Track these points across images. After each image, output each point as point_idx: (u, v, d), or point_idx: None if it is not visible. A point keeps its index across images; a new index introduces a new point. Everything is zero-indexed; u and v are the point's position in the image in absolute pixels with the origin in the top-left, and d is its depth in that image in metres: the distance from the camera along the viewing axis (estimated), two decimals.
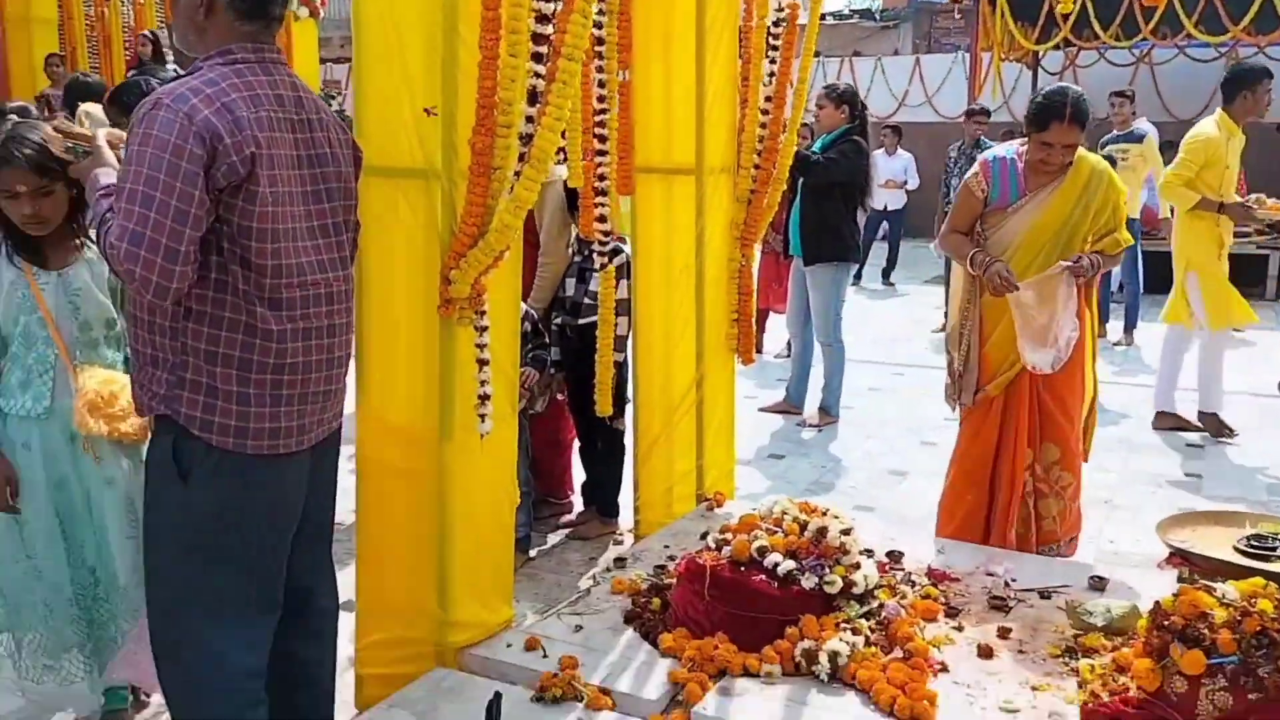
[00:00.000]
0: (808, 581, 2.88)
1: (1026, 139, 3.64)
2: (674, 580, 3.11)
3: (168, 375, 2.13)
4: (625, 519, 4.31)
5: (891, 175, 11.83)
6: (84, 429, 2.57)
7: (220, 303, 2.09)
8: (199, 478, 2.14)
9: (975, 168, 3.72)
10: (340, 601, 2.57)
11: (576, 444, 4.61)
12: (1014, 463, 3.70)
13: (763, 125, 3.95)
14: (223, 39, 2.12)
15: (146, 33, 9.21)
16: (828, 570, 2.91)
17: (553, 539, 4.40)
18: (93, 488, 2.68)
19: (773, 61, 3.93)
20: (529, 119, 2.57)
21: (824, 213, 6.03)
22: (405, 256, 2.70)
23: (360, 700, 2.83)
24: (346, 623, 2.71)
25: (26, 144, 2.51)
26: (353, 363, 2.46)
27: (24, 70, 8.76)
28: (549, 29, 2.56)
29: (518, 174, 2.57)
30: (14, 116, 2.98)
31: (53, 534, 2.68)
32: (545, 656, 2.82)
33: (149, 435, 2.42)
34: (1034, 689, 2.66)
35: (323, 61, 12.32)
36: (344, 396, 2.39)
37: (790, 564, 2.90)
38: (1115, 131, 8.53)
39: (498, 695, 2.08)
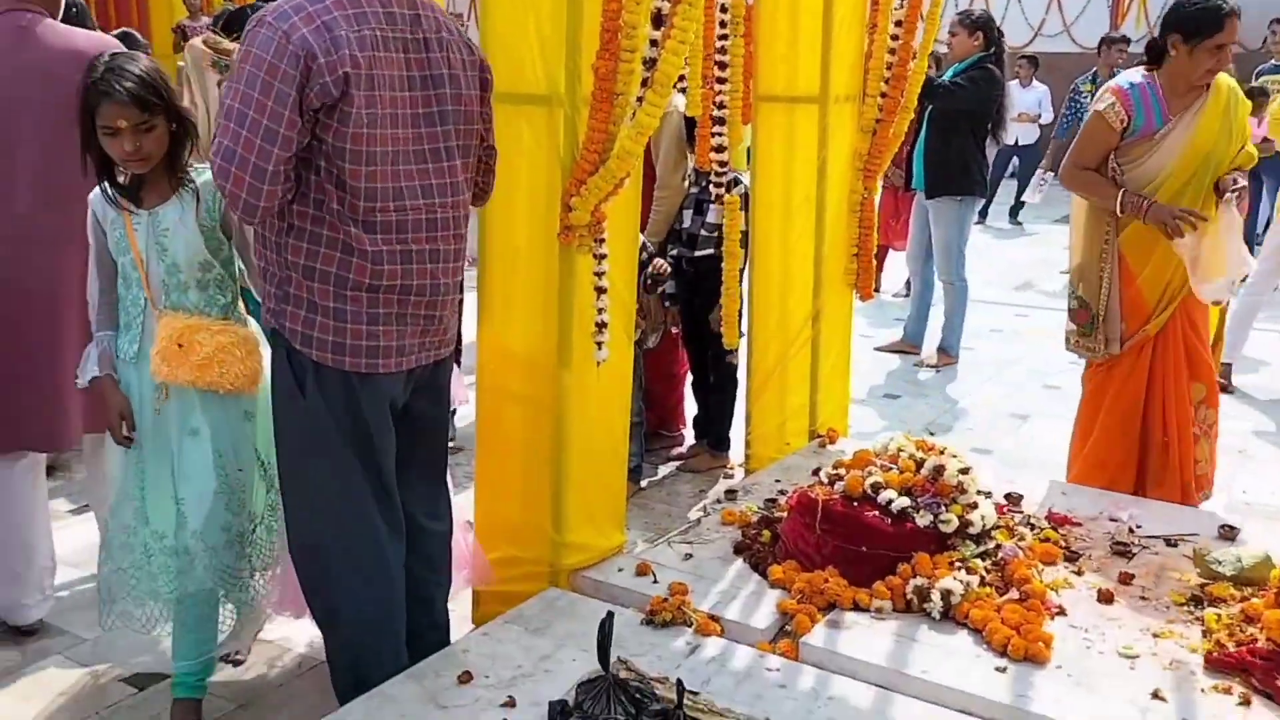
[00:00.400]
0: (922, 519, 2.84)
1: (1151, 65, 3.45)
2: (784, 513, 3.11)
3: (275, 290, 2.21)
4: (736, 453, 4.31)
5: (1025, 108, 11.34)
6: (158, 376, 2.45)
7: (319, 220, 2.12)
8: (309, 389, 2.22)
9: (1109, 97, 3.45)
10: (458, 522, 2.64)
11: (689, 378, 4.62)
12: (1180, 404, 3.53)
13: (891, 52, 3.81)
14: None
15: None
16: (943, 508, 2.87)
17: (663, 471, 4.44)
18: (175, 439, 2.52)
19: None
20: (653, 43, 2.53)
21: (950, 144, 5.83)
22: (527, 183, 2.72)
23: (477, 616, 2.92)
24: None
25: (127, 76, 2.35)
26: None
27: (162, 1, 9.06)
28: None
29: (640, 100, 2.55)
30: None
31: (129, 480, 2.55)
32: (655, 582, 2.86)
33: (249, 384, 2.50)
34: (1155, 636, 2.58)
35: None
36: (452, 323, 2.40)
37: (904, 501, 2.86)
38: (1274, 62, 7.99)
39: (610, 615, 2.12)
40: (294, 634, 2.86)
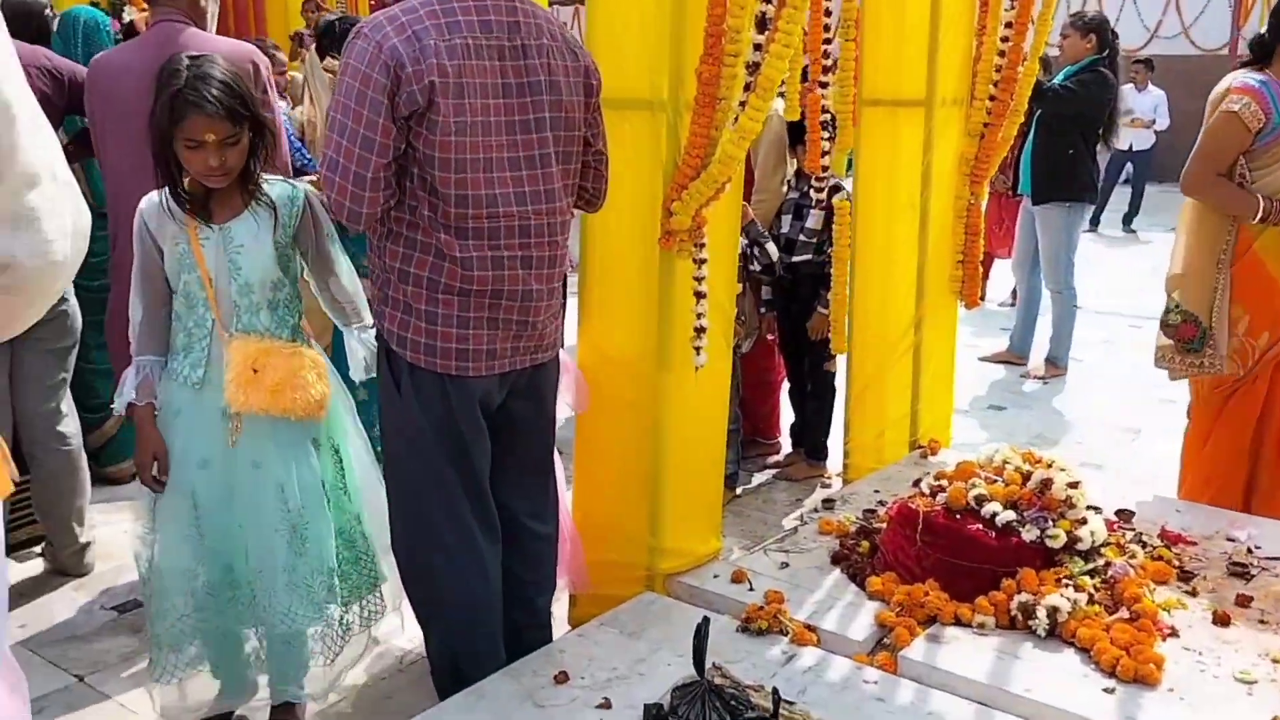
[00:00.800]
0: (1028, 533, 2.76)
1: (1261, 65, 3.30)
2: (884, 524, 3.06)
3: (378, 291, 2.28)
4: (833, 462, 4.26)
5: (1140, 113, 10.98)
6: (234, 404, 2.29)
7: (413, 225, 2.17)
8: (406, 389, 2.27)
9: (1242, 97, 3.26)
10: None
11: (785, 384, 4.58)
12: None
13: (1001, 54, 3.73)
14: None
15: None
16: (1050, 523, 2.79)
17: (759, 478, 4.41)
18: (239, 471, 2.36)
19: None
20: (756, 47, 2.52)
21: (1059, 148, 5.66)
22: (629, 188, 2.72)
23: (572, 617, 2.94)
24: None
25: (214, 84, 2.21)
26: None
27: (279, 12, 9.39)
28: None
29: (743, 104, 2.54)
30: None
31: (182, 518, 2.36)
32: (751, 589, 2.84)
33: (319, 410, 2.38)
34: (1275, 661, 2.46)
35: (551, 3, 12.59)
36: (553, 329, 2.40)
37: (1010, 514, 2.79)
38: None
39: (706, 620, 2.11)
40: (395, 630, 2.92)
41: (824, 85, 3.35)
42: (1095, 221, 10.97)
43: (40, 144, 1.24)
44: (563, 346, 2.51)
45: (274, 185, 2.41)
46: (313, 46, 4.74)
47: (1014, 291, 6.88)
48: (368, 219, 2.12)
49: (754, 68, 2.52)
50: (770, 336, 4.38)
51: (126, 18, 4.87)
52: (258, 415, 2.32)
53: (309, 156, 4.09)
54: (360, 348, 2.56)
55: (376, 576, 2.64)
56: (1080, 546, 2.80)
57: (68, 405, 3.35)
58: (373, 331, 2.47)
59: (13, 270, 1.22)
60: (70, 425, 3.34)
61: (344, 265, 2.55)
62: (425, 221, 2.16)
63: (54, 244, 1.25)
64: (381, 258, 2.25)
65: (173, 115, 2.20)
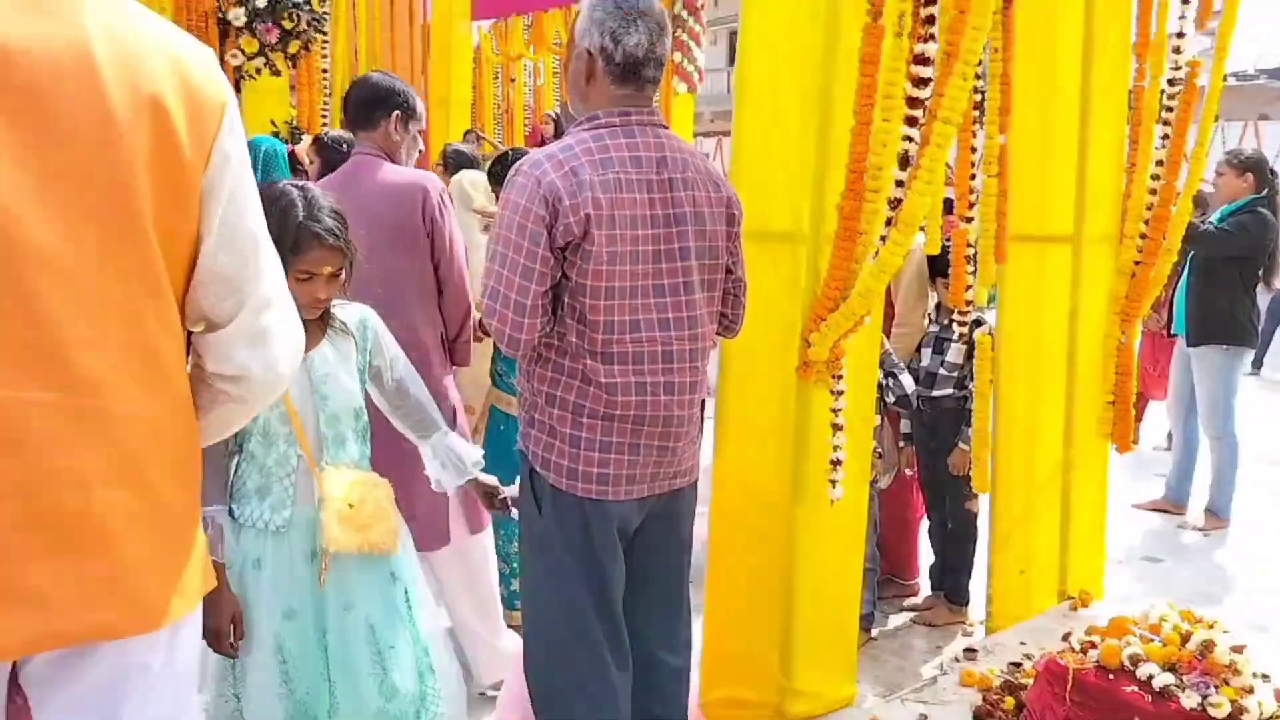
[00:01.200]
0: (1188, 700, 2.55)
1: None
2: (1031, 680, 2.88)
3: (524, 413, 2.33)
4: (975, 608, 4.05)
5: None
6: (334, 545, 2.14)
7: (561, 350, 2.23)
8: (547, 511, 2.29)
9: None
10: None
11: (925, 523, 4.43)
12: None
13: (1152, 192, 3.65)
14: (600, 103, 2.24)
15: (550, 112, 10.38)
16: (1213, 690, 2.57)
17: (896, 620, 4.22)
18: (330, 616, 2.20)
19: (1166, 124, 3.64)
20: (898, 183, 2.53)
21: (1215, 289, 5.43)
22: (766, 317, 2.74)
23: None
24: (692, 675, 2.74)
25: (332, 215, 2.19)
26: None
27: (440, 144, 10.03)
28: (925, 93, 2.53)
29: (884, 238, 2.54)
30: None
31: (269, 675, 2.18)
32: None
33: (396, 541, 2.27)
34: None
35: (695, 136, 13.12)
36: (691, 454, 2.40)
37: (1168, 678, 2.58)
38: None
39: None
40: None
41: (968, 220, 3.33)
42: (1258, 364, 10.42)
43: (275, 269, 1.44)
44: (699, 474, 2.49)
45: (344, 308, 2.35)
46: (467, 177, 5.03)
47: (1169, 435, 6.54)
48: (525, 344, 2.19)
49: (896, 203, 2.53)
50: (910, 472, 4.26)
51: (300, 146, 5.25)
52: (345, 555, 2.18)
53: None
54: (449, 453, 2.48)
55: (438, 712, 2.43)
56: (1246, 718, 2.57)
57: None
58: (450, 435, 2.50)
59: (247, 382, 1.41)
60: None
61: (416, 375, 2.49)
62: (573, 348, 2.22)
63: (281, 360, 1.44)
64: (530, 381, 2.31)
65: (295, 246, 2.13)
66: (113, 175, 1.24)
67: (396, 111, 3.14)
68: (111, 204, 1.24)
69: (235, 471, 2.20)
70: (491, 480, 2.56)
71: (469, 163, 6.43)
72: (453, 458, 2.49)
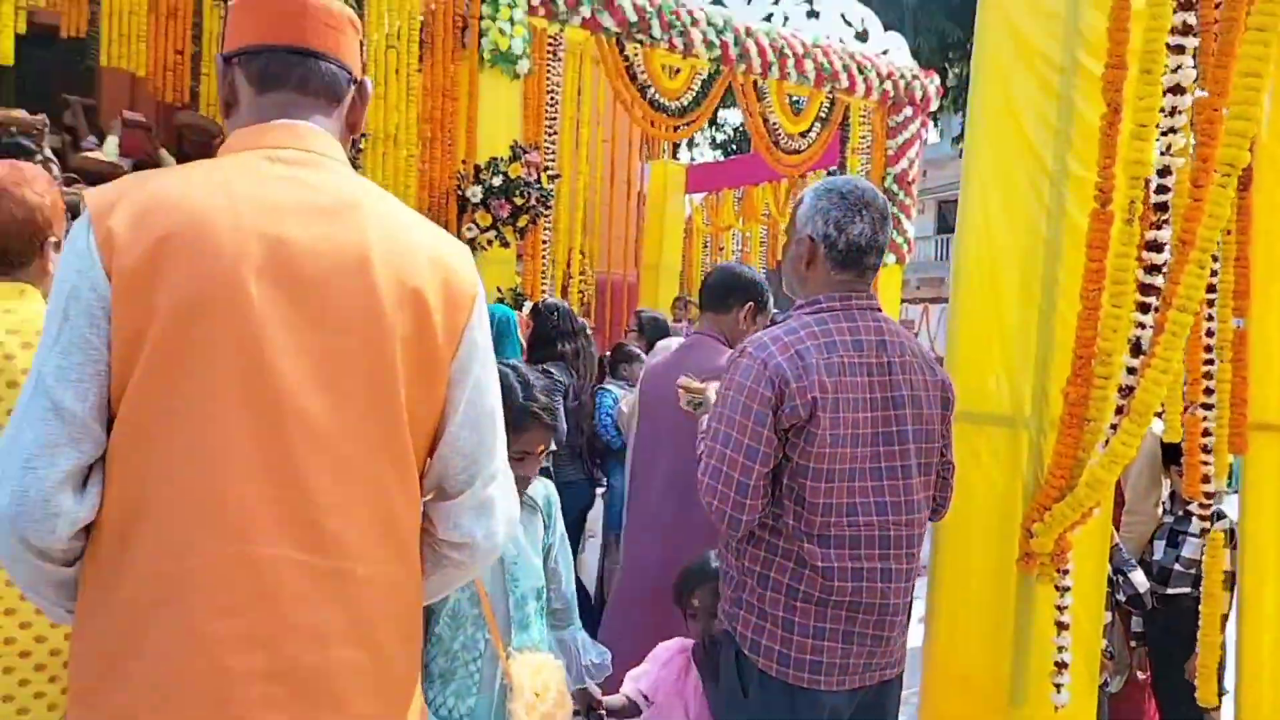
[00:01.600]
0: None
1: None
2: None
3: (731, 592, 2.30)
4: None
5: None
6: None
7: (776, 532, 2.21)
8: (754, 695, 2.23)
9: None
10: None
11: None
12: None
13: None
14: (819, 287, 2.29)
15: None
16: None
17: None
18: None
19: None
20: (1130, 370, 2.43)
21: None
22: (984, 504, 2.64)
23: None
24: None
25: (545, 394, 2.19)
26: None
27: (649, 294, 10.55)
28: (1158, 279, 2.44)
29: (1114, 427, 2.42)
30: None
31: None
32: None
33: None
34: None
35: (902, 301, 13.14)
36: (901, 643, 2.32)
37: None
38: None
39: None
40: None
41: (1207, 407, 3.14)
42: None
43: (504, 445, 1.54)
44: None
45: (532, 484, 2.29)
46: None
47: None
48: (745, 525, 2.18)
49: (1127, 391, 2.42)
50: (1142, 675, 3.92)
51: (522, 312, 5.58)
52: None
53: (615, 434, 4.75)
54: (575, 655, 2.42)
55: None
56: None
57: None
58: (582, 633, 2.47)
59: (470, 549, 1.49)
60: None
61: (570, 562, 2.45)
62: (788, 529, 2.21)
63: (499, 531, 1.52)
64: (740, 560, 2.28)
65: (515, 425, 2.01)
66: (378, 359, 1.38)
67: (751, 303, 3.27)
68: (373, 383, 1.37)
69: (427, 653, 2.15)
70: (597, 692, 2.51)
71: (664, 330, 6.60)
72: (579, 660, 2.45)
